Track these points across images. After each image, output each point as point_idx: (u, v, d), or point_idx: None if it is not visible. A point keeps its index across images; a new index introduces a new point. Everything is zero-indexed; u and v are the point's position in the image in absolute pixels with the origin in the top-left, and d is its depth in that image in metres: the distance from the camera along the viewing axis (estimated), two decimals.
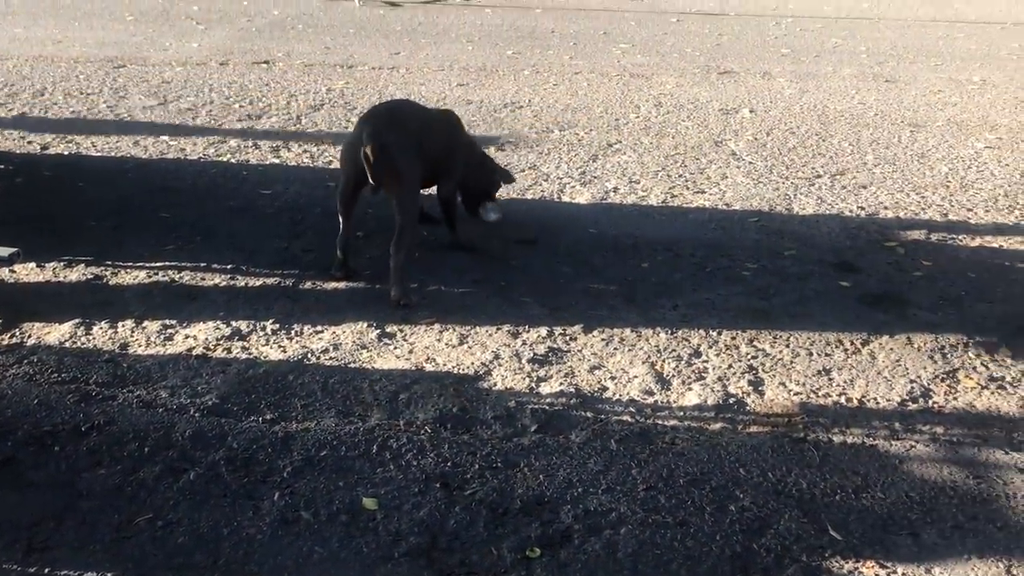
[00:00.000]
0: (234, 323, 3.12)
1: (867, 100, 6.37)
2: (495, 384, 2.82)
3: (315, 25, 8.56)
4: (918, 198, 4.52)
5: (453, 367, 2.91)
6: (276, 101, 5.91)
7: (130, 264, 3.53)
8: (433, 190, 3.75)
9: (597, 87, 6.54)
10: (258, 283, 3.44)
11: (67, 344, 2.96)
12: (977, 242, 4.00)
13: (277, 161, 4.78)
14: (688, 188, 4.58)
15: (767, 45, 8.23)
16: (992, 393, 2.84)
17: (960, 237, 4.04)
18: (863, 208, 4.36)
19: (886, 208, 4.36)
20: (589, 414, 2.67)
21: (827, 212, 4.30)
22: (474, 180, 3.83)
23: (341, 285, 3.41)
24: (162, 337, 3.03)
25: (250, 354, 2.95)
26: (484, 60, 7.26)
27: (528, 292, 3.43)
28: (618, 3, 10.39)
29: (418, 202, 3.45)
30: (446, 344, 3.05)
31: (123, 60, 6.89)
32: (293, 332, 3.10)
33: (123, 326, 3.08)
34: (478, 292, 3.42)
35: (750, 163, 4.97)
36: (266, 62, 6.99)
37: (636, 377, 2.87)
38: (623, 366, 2.94)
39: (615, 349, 3.04)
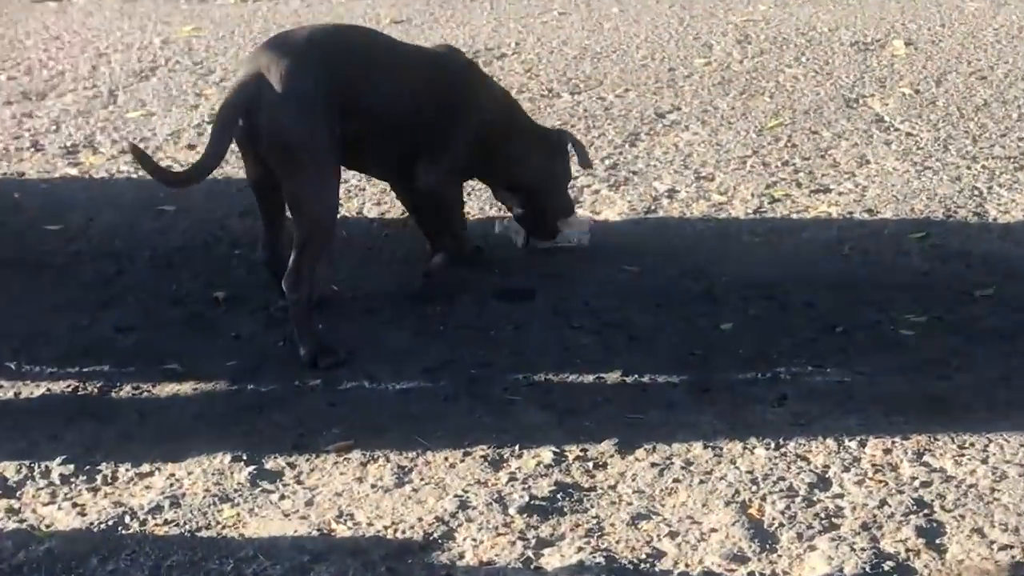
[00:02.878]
0: None
1: None
2: (462, 555, 2.05)
3: None
4: None
5: (386, 528, 2.11)
6: (73, 65, 4.74)
7: None
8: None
9: (635, 16, 5.38)
10: (37, 392, 2.61)
11: None
12: None
13: (74, 172, 3.73)
14: (800, 185, 3.59)
15: None
16: None
17: None
18: None
19: None
20: None
21: None
22: (526, 172, 2.93)
23: (187, 387, 2.54)
24: None
25: (22, 521, 2.11)
26: None
27: (519, 383, 2.63)
28: None
29: (331, 199, 2.68)
30: (373, 486, 2.24)
31: None
32: (99, 478, 2.28)
33: None
34: (432, 388, 2.61)
35: (909, 136, 3.94)
36: None
37: (716, 531, 2.12)
38: (691, 512, 2.20)
39: (675, 482, 2.26)
